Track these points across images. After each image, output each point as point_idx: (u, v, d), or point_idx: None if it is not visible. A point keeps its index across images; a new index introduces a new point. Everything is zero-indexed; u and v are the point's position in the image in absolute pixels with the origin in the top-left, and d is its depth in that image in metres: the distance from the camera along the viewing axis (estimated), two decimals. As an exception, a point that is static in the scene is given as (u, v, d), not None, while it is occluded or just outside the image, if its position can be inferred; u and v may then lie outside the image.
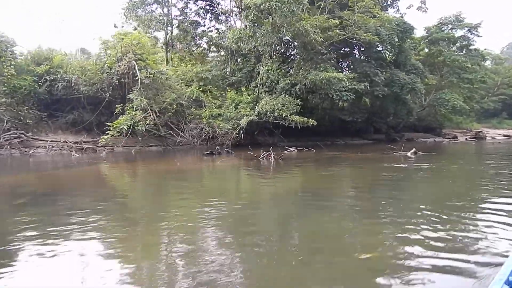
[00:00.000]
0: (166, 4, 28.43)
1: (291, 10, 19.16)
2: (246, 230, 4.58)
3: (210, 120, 21.28)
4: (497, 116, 52.79)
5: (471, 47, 34.37)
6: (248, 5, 19.87)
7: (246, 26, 24.38)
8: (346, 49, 29.77)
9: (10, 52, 18.09)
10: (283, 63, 24.08)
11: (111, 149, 18.49)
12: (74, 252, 3.75)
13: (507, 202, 5.78)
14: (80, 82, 19.09)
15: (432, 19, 72.19)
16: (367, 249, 3.74)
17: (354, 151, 17.96)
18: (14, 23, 47.70)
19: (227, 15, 29.75)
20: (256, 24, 21.84)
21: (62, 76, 19.20)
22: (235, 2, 27.24)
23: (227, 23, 29.73)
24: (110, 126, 17.38)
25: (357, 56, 29.89)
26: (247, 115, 20.70)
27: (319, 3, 24.28)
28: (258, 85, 22.58)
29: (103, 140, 16.92)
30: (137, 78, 17.96)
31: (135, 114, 17.81)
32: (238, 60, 25.82)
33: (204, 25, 30.28)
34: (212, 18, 30.34)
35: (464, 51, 34.55)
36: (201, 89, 23.05)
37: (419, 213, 5.18)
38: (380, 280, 3.03)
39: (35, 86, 18.74)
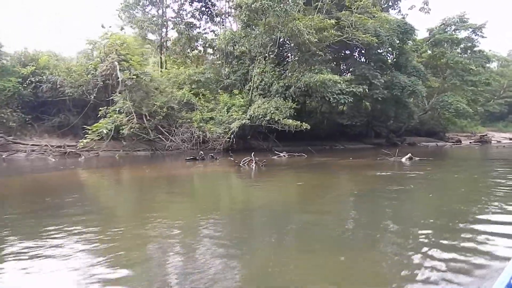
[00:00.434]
0: (161, 5, 27.88)
1: (284, 10, 18.45)
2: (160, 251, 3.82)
3: (201, 124, 20.63)
4: (503, 119, 51.59)
5: (475, 49, 33.39)
6: (239, 4, 19.21)
7: (240, 27, 23.76)
8: (346, 52, 29.05)
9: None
10: (278, 65, 23.31)
11: (96, 153, 17.87)
12: None
13: (493, 221, 4.87)
14: (65, 83, 18.53)
15: (435, 20, 70.94)
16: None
17: (347, 156, 17.11)
18: (14, 23, 47.58)
19: (223, 17, 29.15)
20: (249, 24, 21.17)
21: (47, 78, 18.66)
22: (230, 3, 26.62)
23: (223, 25, 29.12)
24: (88, 129, 16.70)
25: (356, 58, 29.12)
26: (238, 119, 20.00)
27: (316, 3, 23.54)
28: (252, 88, 21.88)
29: (82, 144, 16.23)
30: (119, 79, 17.32)
31: (117, 117, 17.15)
32: (233, 62, 25.15)
33: (200, 27, 29.71)
34: (208, 20, 29.74)
35: (468, 53, 33.57)
36: (192, 92, 22.41)
37: (377, 236, 4.40)
38: None
39: (20, 87, 18.23)
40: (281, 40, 22.21)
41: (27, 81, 18.52)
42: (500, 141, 35.67)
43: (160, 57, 27.79)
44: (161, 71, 25.65)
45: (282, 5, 18.16)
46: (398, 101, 28.10)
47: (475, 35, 32.95)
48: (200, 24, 29.51)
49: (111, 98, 18.06)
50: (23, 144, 17.25)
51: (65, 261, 3.57)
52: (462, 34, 33.35)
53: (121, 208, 6.81)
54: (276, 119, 19.39)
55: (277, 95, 21.37)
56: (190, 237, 4.48)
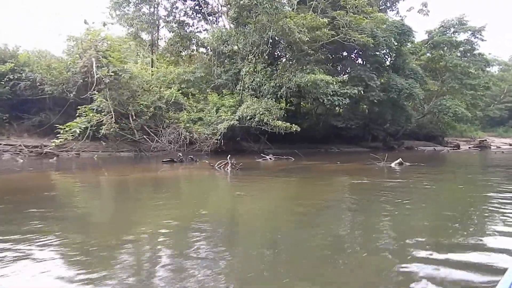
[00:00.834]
0: (152, 3, 27.15)
1: (274, 7, 17.71)
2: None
3: (188, 125, 19.86)
4: (503, 124, 50.71)
5: (475, 52, 32.60)
6: (229, 1, 18.49)
7: (232, 25, 23.03)
8: (342, 53, 28.33)
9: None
10: (270, 65, 22.52)
11: (77, 154, 17.08)
12: None
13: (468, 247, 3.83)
14: (45, 81, 17.77)
15: (434, 23, 70.08)
16: None
17: (336, 160, 16.24)
18: (14, 23, 47.03)
19: (216, 15, 28.43)
20: (239, 22, 20.43)
21: (26, 75, 17.90)
22: (222, 1, 25.88)
23: (217, 24, 28.40)
24: (60, 128, 15.85)
25: (353, 60, 28.38)
26: (227, 120, 19.23)
27: (311, 2, 22.82)
28: (242, 87, 21.12)
29: (54, 144, 15.36)
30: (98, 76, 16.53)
31: (93, 116, 16.35)
32: (225, 61, 24.39)
33: (193, 26, 28.99)
34: (201, 18, 29.02)
35: (468, 56, 32.78)
36: (181, 91, 21.64)
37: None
38: None
39: (-4, 86, 17.49)
40: (273, 39, 21.48)
41: (5, 79, 17.75)
42: (499, 147, 34.90)
43: (151, 56, 27.07)
44: (152, 71, 24.92)
45: (271, 2, 17.40)
46: (395, 103, 27.37)
47: (475, 38, 32.18)
48: (193, 22, 28.86)
49: (90, 96, 17.25)
50: (-4, 144, 16.46)
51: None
52: (462, 36, 32.60)
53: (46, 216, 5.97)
54: (265, 120, 18.62)
55: (268, 96, 20.62)
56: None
